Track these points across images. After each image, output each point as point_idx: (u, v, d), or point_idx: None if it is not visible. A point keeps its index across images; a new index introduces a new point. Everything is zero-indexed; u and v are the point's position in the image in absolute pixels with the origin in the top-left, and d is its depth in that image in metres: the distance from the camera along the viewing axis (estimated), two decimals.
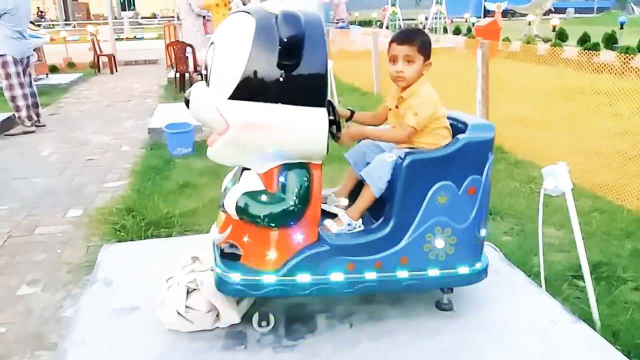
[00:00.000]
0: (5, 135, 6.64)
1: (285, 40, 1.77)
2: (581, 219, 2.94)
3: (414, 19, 23.54)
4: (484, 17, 24.53)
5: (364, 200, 2.19)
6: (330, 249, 2.03)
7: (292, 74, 1.83)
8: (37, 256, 3.35)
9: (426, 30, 18.03)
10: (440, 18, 19.53)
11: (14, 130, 6.72)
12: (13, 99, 6.61)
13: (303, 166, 1.96)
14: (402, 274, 2.10)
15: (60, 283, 3.00)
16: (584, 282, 2.49)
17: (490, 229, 3.61)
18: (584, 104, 6.05)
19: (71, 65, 13.02)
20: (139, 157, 5.51)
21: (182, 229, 3.61)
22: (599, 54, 7.33)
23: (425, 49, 2.19)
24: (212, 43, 1.94)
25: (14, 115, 6.80)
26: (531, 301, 2.41)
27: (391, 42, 2.22)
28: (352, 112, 2.43)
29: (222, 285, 2.02)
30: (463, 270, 2.16)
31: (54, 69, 12.19)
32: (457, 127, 2.26)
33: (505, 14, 22.71)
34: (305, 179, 1.95)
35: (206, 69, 1.94)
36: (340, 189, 2.43)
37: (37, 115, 6.98)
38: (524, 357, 2.05)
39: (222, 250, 2.08)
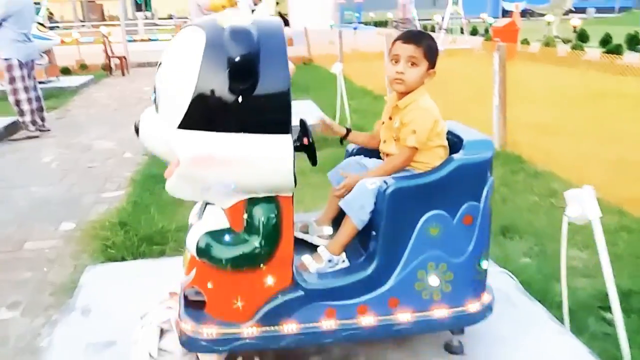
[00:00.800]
0: (9, 140, 6.51)
1: (234, 60, 1.50)
2: (607, 239, 2.64)
3: (430, 19, 23.18)
4: (502, 17, 24.07)
5: (346, 232, 1.93)
6: (306, 294, 1.76)
7: (248, 98, 1.55)
8: (22, 275, 3.15)
9: (442, 31, 17.72)
10: (456, 18, 19.13)
11: (17, 135, 6.61)
12: (17, 103, 6.49)
13: (270, 200, 1.69)
14: (392, 317, 1.83)
15: (41, 307, 2.79)
16: (612, 314, 2.20)
17: (507, 250, 3.34)
18: (608, 108, 5.72)
19: (83, 67, 12.96)
20: (140, 164, 5.31)
21: (177, 245, 3.39)
22: (622, 57, 6.97)
23: (431, 55, 1.95)
24: (160, 63, 1.67)
25: (18, 119, 6.67)
26: (553, 342, 2.12)
27: (396, 40, 1.98)
28: (348, 131, 2.18)
29: (184, 339, 1.77)
30: (463, 309, 1.89)
31: (66, 71, 12.12)
32: (453, 142, 1.99)
33: (524, 14, 22.21)
34: (273, 215, 1.68)
35: (155, 92, 1.68)
36: (322, 216, 2.17)
37: (42, 119, 6.85)
38: None
39: (186, 297, 1.82)
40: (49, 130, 6.89)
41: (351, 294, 1.80)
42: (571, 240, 3.26)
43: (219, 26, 1.57)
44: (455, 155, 1.86)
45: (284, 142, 1.59)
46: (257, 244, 1.67)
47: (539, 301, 2.53)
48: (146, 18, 32.82)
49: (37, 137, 6.61)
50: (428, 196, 1.81)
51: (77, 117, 7.98)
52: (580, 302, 2.68)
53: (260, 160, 1.59)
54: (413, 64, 1.93)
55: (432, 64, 1.96)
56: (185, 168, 1.60)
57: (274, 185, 1.67)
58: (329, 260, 1.91)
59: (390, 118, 2.04)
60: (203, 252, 1.70)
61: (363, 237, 1.94)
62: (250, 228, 1.68)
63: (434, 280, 1.84)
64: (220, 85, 1.53)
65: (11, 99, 6.49)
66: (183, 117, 1.56)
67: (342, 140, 2.22)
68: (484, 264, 1.92)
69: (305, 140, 1.91)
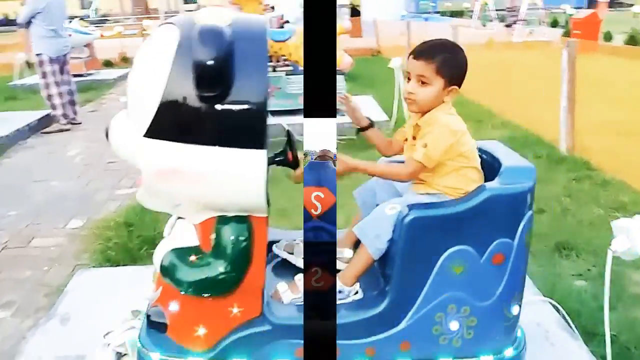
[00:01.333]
0: (41, 132, 6.80)
1: (201, 64, 1.38)
2: None
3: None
4: (588, 7, 22.97)
5: (360, 262, 1.77)
6: (273, 329, 1.63)
7: (219, 107, 1.43)
8: (23, 273, 3.21)
9: (519, 23, 17.01)
10: (535, 9, 18.38)
11: (50, 128, 6.90)
12: (49, 97, 6.80)
13: (242, 220, 1.57)
14: None
15: (33, 308, 2.82)
16: None
17: (560, 270, 3.04)
18: None
19: (125, 60, 13.36)
20: None
21: None
22: None
23: (447, 71, 1.74)
24: (133, 62, 1.59)
25: (50, 112, 6.93)
26: None
27: (409, 54, 1.82)
28: (371, 124, 2.01)
29: None
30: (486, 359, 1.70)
31: (108, 64, 12.53)
32: (492, 166, 1.80)
33: (612, 4, 21.09)
34: (243, 237, 1.56)
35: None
36: (344, 238, 2.00)
37: (74, 112, 7.12)
38: None
39: (148, 317, 1.72)
40: (80, 123, 7.13)
41: (358, 334, 1.66)
42: (636, 263, 2.93)
43: (194, 24, 1.46)
44: (488, 184, 1.68)
45: (256, 158, 1.46)
46: (222, 269, 1.56)
47: (587, 334, 2.26)
48: (197, 8, 33.49)
49: (68, 130, 6.86)
50: (453, 229, 1.65)
51: (111, 110, 8.19)
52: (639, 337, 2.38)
53: (229, 177, 1.48)
54: (423, 82, 1.76)
55: (450, 81, 1.76)
56: (149, 181, 1.52)
57: (244, 204, 1.55)
58: (339, 292, 1.75)
59: (414, 137, 1.87)
60: (166, 271, 1.61)
61: (378, 265, 1.80)
62: (217, 250, 1.58)
63: (454, 325, 1.68)
64: (189, 92, 1.43)
65: (43, 93, 6.82)
66: (149, 125, 1.46)
67: (360, 131, 2.04)
68: (515, 310, 1.73)
69: (290, 155, 1.79)
